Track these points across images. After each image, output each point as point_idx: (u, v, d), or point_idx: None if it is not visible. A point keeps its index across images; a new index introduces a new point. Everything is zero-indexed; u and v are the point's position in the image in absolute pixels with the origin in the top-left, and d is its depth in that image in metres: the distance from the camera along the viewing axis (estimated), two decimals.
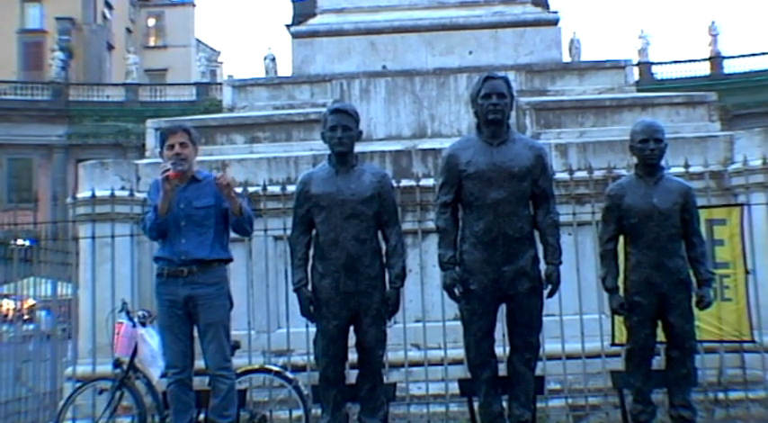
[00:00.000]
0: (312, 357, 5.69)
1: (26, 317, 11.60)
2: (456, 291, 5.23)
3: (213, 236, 5.50)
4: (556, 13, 10.02)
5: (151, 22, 60.64)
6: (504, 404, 5.35)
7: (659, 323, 5.58)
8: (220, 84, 38.97)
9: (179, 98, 45.76)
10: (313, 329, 5.48)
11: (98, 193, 7.37)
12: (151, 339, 6.31)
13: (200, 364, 5.61)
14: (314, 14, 10.16)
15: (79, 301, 7.58)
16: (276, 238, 7.37)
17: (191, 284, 5.42)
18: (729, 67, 43.37)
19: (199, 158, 5.85)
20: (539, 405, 5.64)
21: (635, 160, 5.74)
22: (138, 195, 7.51)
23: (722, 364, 7.08)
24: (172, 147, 5.51)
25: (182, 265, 5.42)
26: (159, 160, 8.01)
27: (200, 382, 5.76)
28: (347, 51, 9.41)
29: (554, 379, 6.77)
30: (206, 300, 5.42)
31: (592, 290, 6.87)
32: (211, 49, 65.55)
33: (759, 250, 6.99)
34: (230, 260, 5.72)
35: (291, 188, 6.11)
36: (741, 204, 7.05)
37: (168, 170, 5.32)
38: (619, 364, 6.23)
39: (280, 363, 6.84)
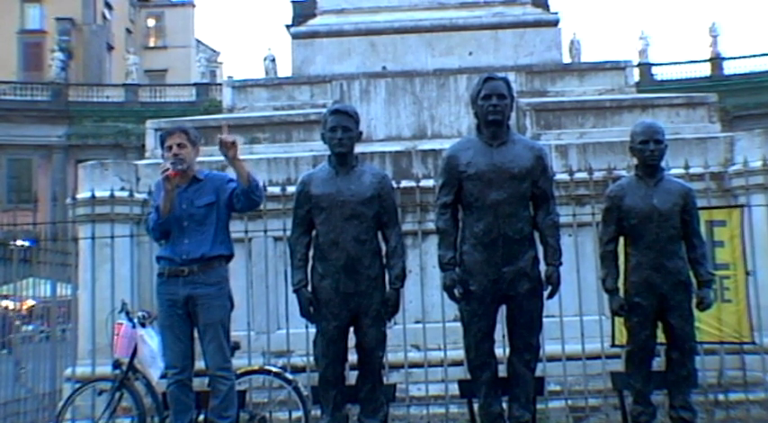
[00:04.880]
0: (312, 358, 5.69)
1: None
2: (456, 292, 5.22)
3: (214, 232, 5.51)
4: (556, 14, 10.03)
5: (151, 22, 60.63)
6: (504, 405, 5.35)
7: (659, 324, 5.57)
8: (220, 84, 38.92)
9: (179, 99, 45.80)
10: (313, 330, 5.47)
11: (98, 194, 7.37)
12: (151, 340, 6.31)
13: (200, 364, 5.61)
14: (314, 15, 10.16)
15: (79, 301, 7.58)
16: (276, 239, 7.37)
17: (191, 284, 5.42)
18: (729, 68, 43.41)
19: (199, 159, 5.85)
20: (539, 406, 5.63)
21: (635, 161, 5.74)
22: (138, 196, 7.52)
23: (722, 365, 7.08)
24: (170, 148, 5.54)
25: (182, 264, 5.44)
26: (159, 161, 8.04)
27: (199, 383, 5.76)
28: (347, 52, 9.41)
29: (554, 380, 6.77)
30: (205, 300, 5.42)
31: (592, 291, 6.87)
32: (211, 49, 65.55)
33: (759, 251, 6.99)
34: (231, 256, 5.71)
35: (291, 189, 6.10)
36: (741, 206, 7.05)
37: (168, 170, 5.35)
38: (619, 366, 6.22)
39: (279, 364, 6.84)
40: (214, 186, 5.57)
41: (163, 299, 5.52)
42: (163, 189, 5.44)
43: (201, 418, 5.74)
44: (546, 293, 5.26)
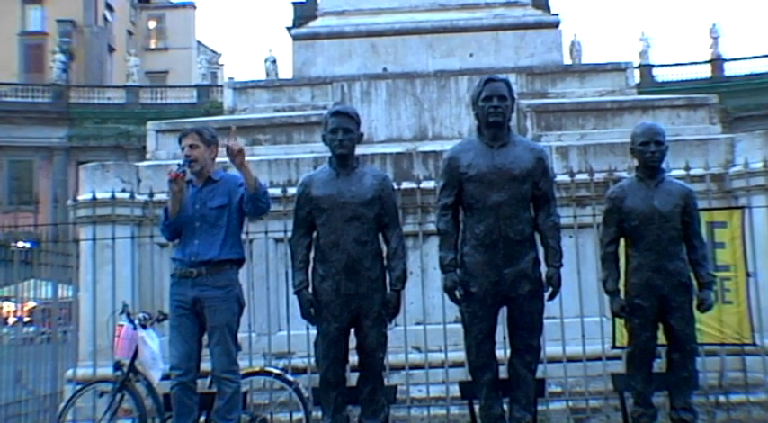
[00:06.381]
0: (313, 360, 5.69)
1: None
2: (457, 293, 5.22)
3: (224, 235, 5.52)
4: (557, 15, 10.06)
5: (152, 24, 60.63)
6: (505, 407, 5.35)
7: (660, 326, 5.57)
8: (221, 86, 39.01)
9: (180, 100, 45.83)
10: (314, 332, 5.47)
11: (99, 196, 7.38)
12: (152, 341, 6.31)
13: (204, 366, 5.61)
14: (315, 17, 10.18)
15: (80, 303, 7.58)
16: (277, 241, 7.38)
17: (199, 286, 5.44)
18: (730, 69, 43.40)
19: None
20: (539, 408, 5.64)
21: (636, 163, 5.74)
22: (139, 197, 7.52)
23: (723, 366, 7.08)
24: (183, 149, 5.57)
25: (192, 266, 5.45)
26: (160, 162, 8.07)
27: (201, 385, 5.76)
28: (348, 54, 9.42)
29: (555, 381, 6.77)
30: (213, 302, 5.43)
31: (592, 292, 6.87)
32: (212, 51, 65.53)
33: (760, 253, 6.98)
34: (242, 261, 5.72)
35: (292, 190, 6.11)
36: (742, 207, 7.04)
37: (171, 171, 5.36)
38: (619, 367, 6.22)
39: (280, 365, 6.85)
40: (227, 188, 5.59)
41: (173, 299, 5.57)
42: (170, 190, 5.46)
43: (203, 419, 5.74)
44: (547, 295, 5.26)
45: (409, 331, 6.81)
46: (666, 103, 8.80)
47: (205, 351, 5.58)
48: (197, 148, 5.57)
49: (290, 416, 6.60)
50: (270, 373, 6.50)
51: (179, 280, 5.53)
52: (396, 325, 6.41)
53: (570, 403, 6.87)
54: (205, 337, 5.57)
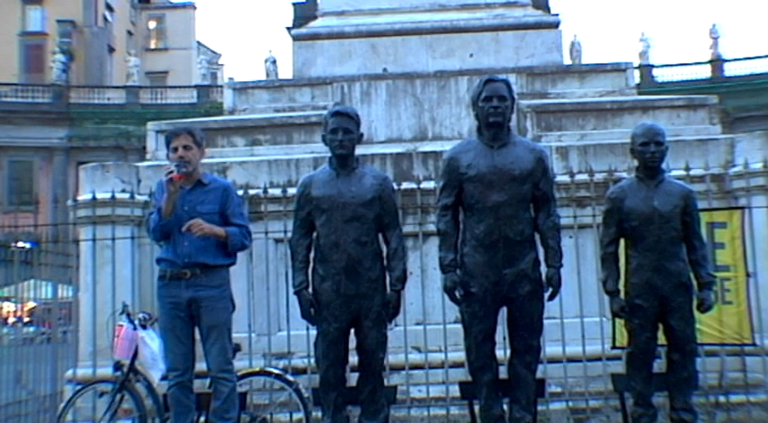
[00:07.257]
0: (313, 360, 5.69)
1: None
2: (457, 293, 5.22)
3: (217, 242, 5.48)
4: (557, 15, 10.05)
5: (152, 24, 60.65)
6: (505, 407, 5.35)
7: (660, 326, 5.58)
8: (221, 86, 39.03)
9: (180, 101, 45.84)
10: (314, 332, 5.47)
11: (99, 196, 7.38)
12: (152, 342, 6.31)
13: (200, 366, 5.61)
14: (315, 17, 10.18)
15: (80, 303, 7.58)
16: (277, 241, 7.37)
17: (194, 287, 5.41)
18: (730, 69, 43.43)
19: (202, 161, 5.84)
20: (539, 408, 5.64)
21: (636, 163, 5.74)
22: (139, 198, 7.52)
23: (723, 367, 7.08)
24: (176, 149, 5.50)
25: (185, 267, 5.42)
26: (160, 162, 8.06)
27: (200, 385, 5.76)
28: (348, 54, 9.42)
29: (555, 382, 6.77)
30: (209, 302, 5.42)
31: (593, 293, 6.87)
32: (212, 51, 65.55)
33: (760, 253, 6.98)
34: (233, 263, 5.72)
35: (292, 191, 6.11)
36: (742, 207, 7.04)
37: (172, 172, 5.32)
38: (620, 367, 6.21)
39: (280, 365, 6.85)
40: (218, 196, 5.54)
41: (165, 301, 5.50)
42: (165, 191, 5.41)
43: (202, 419, 5.75)
44: (547, 295, 5.26)
45: (409, 331, 6.81)
46: (666, 103, 8.80)
47: (200, 351, 5.57)
48: (190, 149, 5.53)
49: (290, 416, 6.60)
50: (270, 374, 6.50)
51: (170, 281, 5.46)
52: (396, 325, 6.40)
53: (570, 404, 6.87)
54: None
